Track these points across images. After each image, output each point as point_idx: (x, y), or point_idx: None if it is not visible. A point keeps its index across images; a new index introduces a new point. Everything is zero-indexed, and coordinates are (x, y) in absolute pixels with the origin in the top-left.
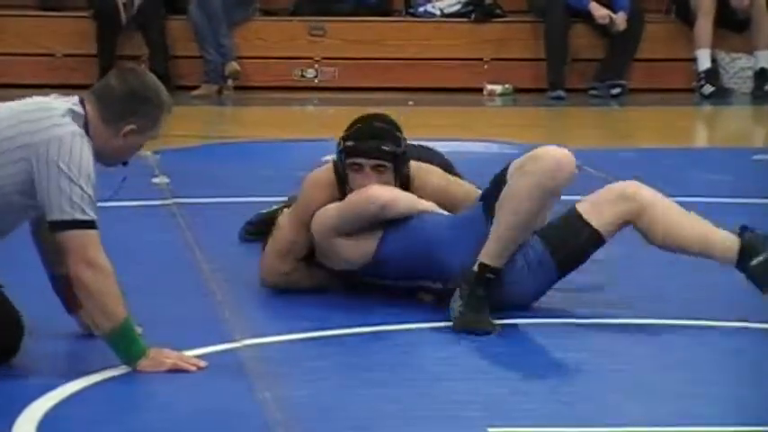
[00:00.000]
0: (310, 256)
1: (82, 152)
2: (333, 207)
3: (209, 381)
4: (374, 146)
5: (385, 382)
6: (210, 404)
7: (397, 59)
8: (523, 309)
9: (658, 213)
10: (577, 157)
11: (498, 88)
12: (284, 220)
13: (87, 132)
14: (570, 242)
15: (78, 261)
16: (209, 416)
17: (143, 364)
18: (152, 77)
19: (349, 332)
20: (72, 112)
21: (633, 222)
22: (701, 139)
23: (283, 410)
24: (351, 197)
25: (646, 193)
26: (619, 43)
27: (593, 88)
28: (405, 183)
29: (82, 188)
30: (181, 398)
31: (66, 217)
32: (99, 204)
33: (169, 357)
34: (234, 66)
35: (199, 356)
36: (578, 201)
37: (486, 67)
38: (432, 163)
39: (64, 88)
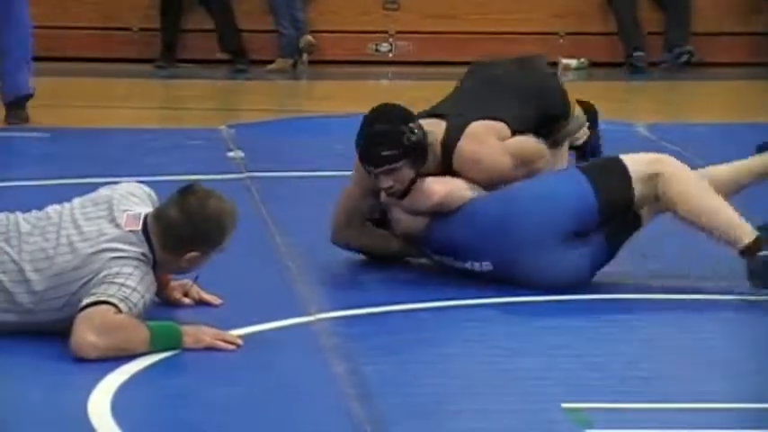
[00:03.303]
0: (381, 221)
1: (134, 276)
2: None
3: (282, 355)
4: (374, 155)
5: (457, 357)
6: (284, 378)
7: (472, 33)
8: (597, 285)
9: (677, 178)
10: (651, 131)
11: (573, 62)
12: (350, 184)
13: (152, 250)
14: (609, 183)
15: (79, 333)
16: (283, 389)
17: (186, 341)
18: (215, 200)
19: (422, 307)
20: (141, 241)
21: (657, 182)
22: None
23: (356, 385)
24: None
25: (673, 162)
26: (671, 11)
27: (664, 61)
28: (446, 158)
29: (123, 284)
30: (254, 372)
31: (92, 299)
32: None
33: (207, 335)
34: (308, 39)
35: (272, 330)
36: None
37: (561, 41)
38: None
39: (139, 62)
